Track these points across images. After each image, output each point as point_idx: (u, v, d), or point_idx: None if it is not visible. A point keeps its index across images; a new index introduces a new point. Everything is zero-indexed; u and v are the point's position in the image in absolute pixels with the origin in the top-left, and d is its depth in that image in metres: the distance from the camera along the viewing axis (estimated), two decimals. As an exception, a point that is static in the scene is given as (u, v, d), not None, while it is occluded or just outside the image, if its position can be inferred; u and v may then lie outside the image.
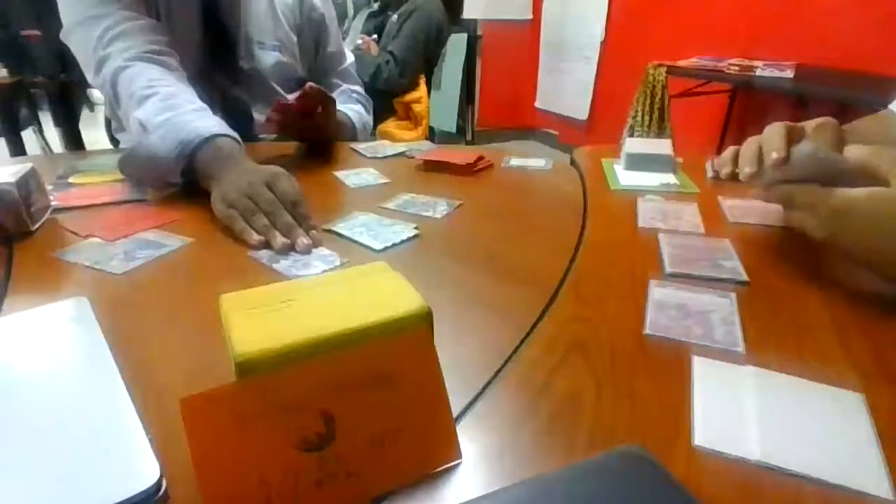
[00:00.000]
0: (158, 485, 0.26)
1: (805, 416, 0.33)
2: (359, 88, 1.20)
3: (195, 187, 0.69)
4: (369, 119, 1.18)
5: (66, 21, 0.83)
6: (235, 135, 0.72)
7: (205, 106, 0.75)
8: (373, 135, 1.87)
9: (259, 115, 1.03)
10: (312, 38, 1.11)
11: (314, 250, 0.55)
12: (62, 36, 0.85)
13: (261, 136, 1.05)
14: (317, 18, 1.10)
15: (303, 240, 0.55)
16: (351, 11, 2.76)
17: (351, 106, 1.12)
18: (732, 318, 0.44)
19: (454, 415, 0.33)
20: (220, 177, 0.65)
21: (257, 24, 1.00)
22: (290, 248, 0.55)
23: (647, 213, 0.65)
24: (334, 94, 1.06)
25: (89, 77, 0.82)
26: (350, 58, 1.20)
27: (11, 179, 0.57)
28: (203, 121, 0.71)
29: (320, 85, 0.87)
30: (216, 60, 0.96)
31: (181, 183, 0.71)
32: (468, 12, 3.35)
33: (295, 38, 1.07)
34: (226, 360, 0.28)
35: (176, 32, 0.89)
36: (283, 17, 1.04)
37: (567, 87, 3.69)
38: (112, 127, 1.11)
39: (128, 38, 0.79)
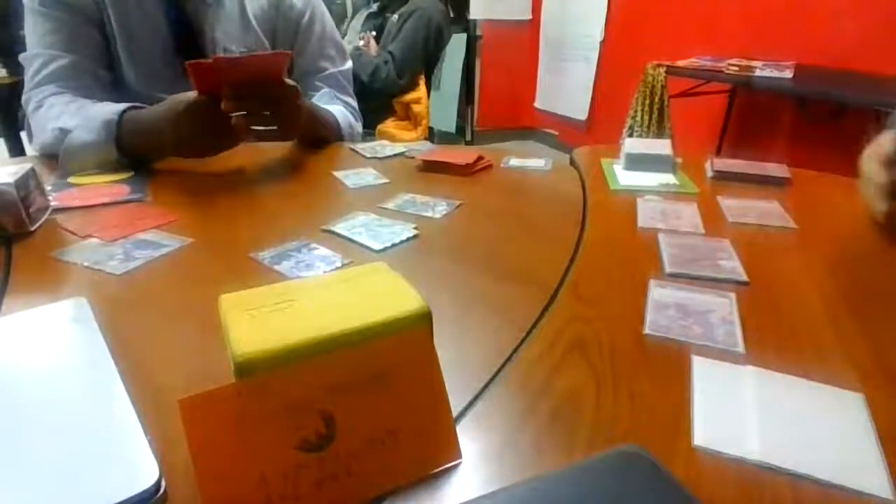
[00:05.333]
0: (158, 485, 0.26)
1: (805, 416, 0.33)
2: (349, 99, 1.13)
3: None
4: (357, 125, 1.12)
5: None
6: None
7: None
8: (372, 135, 1.86)
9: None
10: (289, 40, 1.06)
11: (315, 251, 0.55)
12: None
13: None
14: (294, 18, 1.05)
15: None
16: (350, 12, 2.75)
17: (333, 105, 1.06)
18: (732, 318, 0.44)
19: (454, 415, 0.33)
20: (159, 126, 0.76)
21: (226, 30, 0.97)
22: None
23: (647, 213, 0.65)
24: (314, 99, 1.03)
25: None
26: (345, 64, 1.13)
27: (10, 180, 0.57)
28: (113, 105, 0.82)
29: (300, 89, 0.85)
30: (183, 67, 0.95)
31: (122, 160, 0.80)
32: (470, 12, 3.35)
33: (267, 43, 1.03)
34: (225, 361, 0.28)
35: (136, 39, 0.92)
36: (255, 20, 1.01)
37: (566, 87, 3.69)
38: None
39: (50, 81, 0.89)
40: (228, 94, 0.71)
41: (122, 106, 0.81)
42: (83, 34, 0.90)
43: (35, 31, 0.90)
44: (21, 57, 0.92)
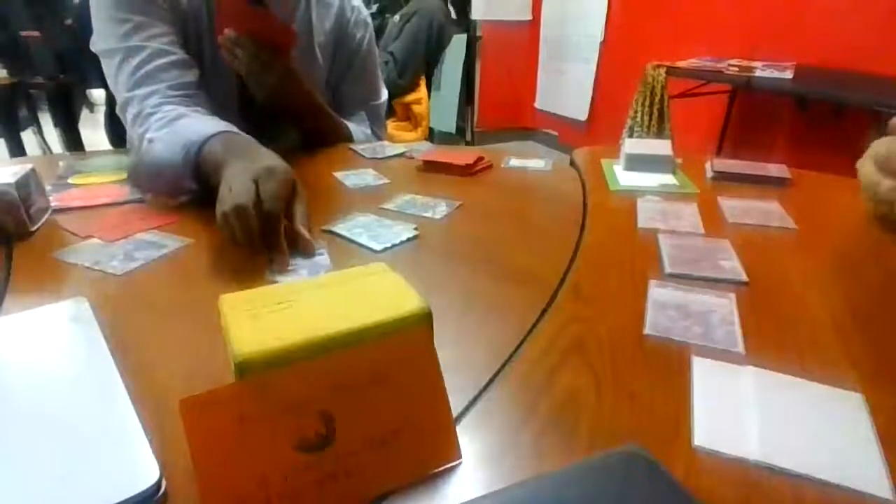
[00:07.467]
0: (158, 485, 0.26)
1: (805, 416, 0.33)
2: (381, 133, 1.10)
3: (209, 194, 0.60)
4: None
5: (100, 40, 0.81)
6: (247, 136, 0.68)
7: (216, 118, 0.75)
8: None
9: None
10: (343, 66, 1.04)
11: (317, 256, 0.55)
12: (92, 44, 0.83)
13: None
14: (352, 49, 1.03)
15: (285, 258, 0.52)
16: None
17: (353, 124, 1.04)
18: (732, 318, 0.44)
19: (454, 415, 0.33)
20: (224, 171, 0.58)
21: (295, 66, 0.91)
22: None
23: (647, 214, 0.65)
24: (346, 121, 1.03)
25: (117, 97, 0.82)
26: (384, 96, 1.11)
27: (11, 180, 0.57)
28: (211, 123, 0.70)
29: (339, 116, 0.88)
30: (252, 99, 0.90)
31: (196, 189, 0.66)
32: (471, 13, 3.36)
33: (325, 75, 1.01)
34: (226, 361, 0.28)
35: (217, 68, 0.88)
36: (319, 48, 0.98)
37: (566, 87, 3.69)
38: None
39: (156, 79, 0.78)
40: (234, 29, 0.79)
41: (213, 129, 0.67)
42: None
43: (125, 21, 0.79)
44: (96, 45, 0.82)
